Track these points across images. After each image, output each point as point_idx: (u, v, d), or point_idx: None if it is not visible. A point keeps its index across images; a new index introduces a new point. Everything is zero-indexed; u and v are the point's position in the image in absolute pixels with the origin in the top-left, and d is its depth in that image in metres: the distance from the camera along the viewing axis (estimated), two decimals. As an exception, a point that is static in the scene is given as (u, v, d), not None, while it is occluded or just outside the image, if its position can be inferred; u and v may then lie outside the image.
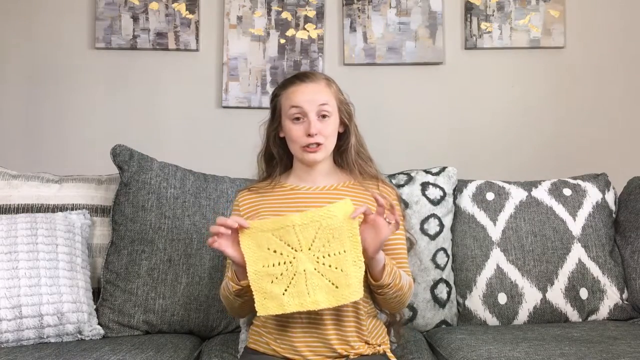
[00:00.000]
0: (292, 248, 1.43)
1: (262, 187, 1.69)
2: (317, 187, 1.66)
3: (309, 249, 1.42)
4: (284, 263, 1.43)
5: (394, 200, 1.67)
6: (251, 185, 1.72)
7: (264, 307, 1.43)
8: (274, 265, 1.43)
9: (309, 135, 1.59)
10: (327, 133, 1.61)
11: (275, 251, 1.44)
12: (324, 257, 1.42)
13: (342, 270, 1.41)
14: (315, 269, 1.41)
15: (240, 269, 1.47)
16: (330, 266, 1.42)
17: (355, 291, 1.41)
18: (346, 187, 1.67)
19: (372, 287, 1.50)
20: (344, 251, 1.42)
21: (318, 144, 1.60)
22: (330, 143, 1.64)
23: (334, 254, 1.42)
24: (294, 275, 1.42)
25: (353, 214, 1.42)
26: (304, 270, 1.41)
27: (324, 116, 1.61)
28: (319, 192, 1.65)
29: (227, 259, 1.64)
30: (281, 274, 1.43)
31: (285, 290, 1.42)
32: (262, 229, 1.44)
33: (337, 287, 1.41)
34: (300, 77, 1.67)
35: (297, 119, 1.61)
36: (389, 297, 1.52)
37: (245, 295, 1.50)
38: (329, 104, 1.62)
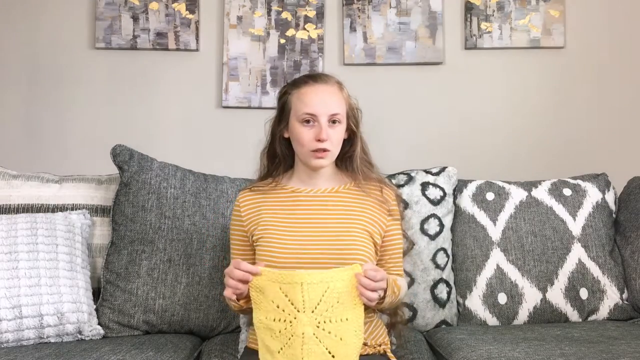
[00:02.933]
0: (295, 307, 1.37)
1: (263, 188, 1.68)
2: (319, 189, 1.65)
3: (312, 312, 1.37)
4: (284, 321, 1.38)
5: (393, 201, 1.67)
6: (253, 185, 1.71)
7: (264, 357, 1.41)
8: (274, 320, 1.39)
9: (319, 140, 1.57)
10: (335, 139, 1.60)
11: (278, 306, 1.39)
12: (324, 322, 1.37)
13: (341, 339, 1.37)
14: (314, 334, 1.36)
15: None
16: (330, 333, 1.37)
17: None
18: (346, 190, 1.66)
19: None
20: (347, 319, 1.38)
21: (325, 150, 1.59)
22: (336, 149, 1.63)
23: (336, 320, 1.37)
24: (292, 336, 1.37)
25: (358, 276, 1.39)
26: (302, 334, 1.36)
27: (334, 122, 1.59)
28: (320, 195, 1.64)
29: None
30: (279, 332, 1.38)
31: (281, 349, 1.38)
32: (271, 279, 1.40)
33: (333, 356, 1.36)
34: (313, 77, 1.65)
35: (307, 121, 1.59)
36: (385, 309, 1.58)
37: (248, 309, 1.50)
38: (341, 111, 1.61)
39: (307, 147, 1.59)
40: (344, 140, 1.67)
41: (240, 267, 1.43)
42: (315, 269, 1.44)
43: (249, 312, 1.55)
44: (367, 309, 1.55)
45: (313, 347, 1.35)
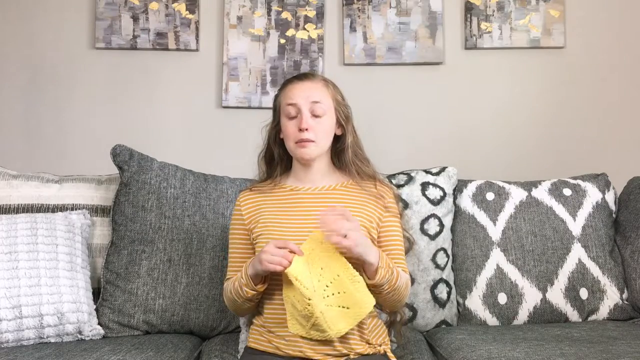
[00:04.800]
0: (304, 296, 1.44)
1: (263, 188, 1.71)
2: (316, 187, 1.67)
3: (314, 291, 1.44)
4: (303, 304, 1.45)
5: (391, 198, 1.68)
6: (253, 186, 1.73)
7: (294, 327, 1.48)
8: (298, 301, 1.45)
9: (301, 129, 1.60)
10: (320, 131, 1.62)
11: (304, 287, 1.45)
12: (324, 290, 1.45)
13: (345, 292, 1.46)
14: (326, 305, 1.45)
15: (258, 277, 1.50)
16: (334, 294, 1.45)
17: (365, 303, 1.47)
18: (344, 187, 1.67)
19: (368, 285, 1.51)
20: (338, 275, 1.46)
21: (310, 141, 1.61)
22: (323, 141, 1.64)
23: (332, 282, 1.46)
24: (311, 316, 1.44)
25: (326, 238, 1.44)
26: (321, 312, 1.44)
27: (317, 115, 1.62)
28: (318, 193, 1.66)
29: (231, 260, 1.66)
30: (302, 310, 1.45)
31: (308, 325, 1.46)
32: (303, 263, 1.47)
33: (348, 308, 1.46)
34: (298, 76, 1.70)
35: (292, 115, 1.62)
36: (384, 295, 1.54)
37: (255, 299, 1.54)
38: (324, 102, 1.63)
39: (292, 139, 1.63)
40: (338, 137, 1.68)
41: (289, 246, 1.46)
42: None
43: (252, 306, 1.56)
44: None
45: (332, 313, 1.45)
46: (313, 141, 1.61)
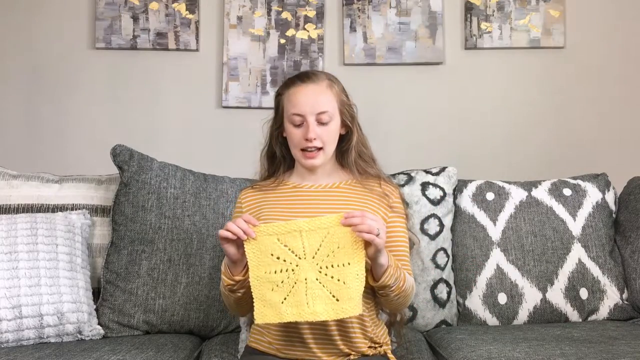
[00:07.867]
0: (296, 255, 1.39)
1: (265, 186, 1.69)
2: (320, 185, 1.65)
3: (313, 257, 1.38)
4: (286, 271, 1.39)
5: (396, 198, 1.67)
6: (254, 184, 1.71)
7: (262, 315, 1.40)
8: (275, 273, 1.39)
9: (307, 139, 1.58)
10: (327, 138, 1.60)
11: (278, 258, 1.40)
12: (327, 267, 1.38)
13: (344, 283, 1.38)
14: (316, 279, 1.37)
15: (234, 265, 1.47)
16: (332, 277, 1.38)
17: (355, 306, 1.38)
18: (348, 186, 1.66)
19: (374, 287, 1.49)
20: (349, 263, 1.38)
21: (318, 149, 1.59)
22: (330, 147, 1.62)
23: (338, 265, 1.38)
24: (295, 283, 1.37)
25: (343, 221, 1.38)
26: (305, 279, 1.37)
27: (324, 123, 1.60)
28: (322, 190, 1.65)
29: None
30: (282, 282, 1.39)
31: (285, 299, 1.38)
32: (268, 233, 1.41)
33: (337, 299, 1.37)
34: (302, 77, 1.65)
35: (297, 122, 1.60)
36: (391, 298, 1.51)
37: (239, 291, 1.49)
38: (329, 109, 1.60)
39: (297, 147, 1.61)
40: (342, 136, 1.67)
41: (244, 218, 1.43)
42: None
43: (243, 300, 1.55)
44: (371, 303, 1.55)
45: (317, 291, 1.37)
46: (320, 149, 1.60)
